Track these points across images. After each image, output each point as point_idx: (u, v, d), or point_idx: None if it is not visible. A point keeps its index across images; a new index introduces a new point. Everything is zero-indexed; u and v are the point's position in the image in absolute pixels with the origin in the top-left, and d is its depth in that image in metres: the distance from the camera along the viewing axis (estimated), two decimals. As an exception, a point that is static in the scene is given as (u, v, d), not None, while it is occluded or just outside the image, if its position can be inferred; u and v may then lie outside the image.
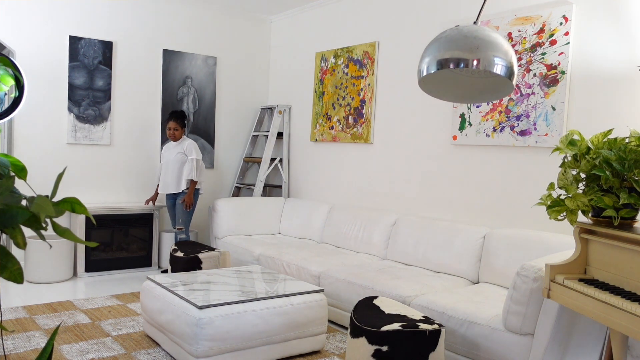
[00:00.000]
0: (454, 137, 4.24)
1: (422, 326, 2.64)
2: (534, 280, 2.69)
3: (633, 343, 2.63)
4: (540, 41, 3.67)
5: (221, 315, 2.94)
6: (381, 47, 4.95)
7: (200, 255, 4.22)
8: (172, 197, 5.30)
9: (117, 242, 5.39)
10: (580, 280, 2.22)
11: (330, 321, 4.02)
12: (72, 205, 1.31)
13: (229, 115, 6.26)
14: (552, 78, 3.60)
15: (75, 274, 5.17)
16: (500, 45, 2.36)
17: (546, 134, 3.62)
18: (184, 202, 5.16)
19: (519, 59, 3.80)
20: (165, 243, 5.63)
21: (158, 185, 5.33)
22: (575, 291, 2.17)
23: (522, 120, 3.77)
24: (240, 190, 6.35)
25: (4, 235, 4.36)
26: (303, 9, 5.93)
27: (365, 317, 2.77)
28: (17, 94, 4.36)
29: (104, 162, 5.45)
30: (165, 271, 5.13)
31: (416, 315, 2.84)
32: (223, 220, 5.40)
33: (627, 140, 2.22)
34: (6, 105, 4.33)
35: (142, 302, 3.46)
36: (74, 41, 5.18)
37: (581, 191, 2.27)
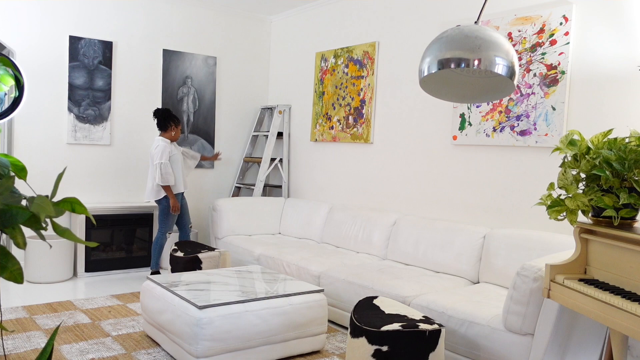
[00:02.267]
0: (454, 137, 4.24)
1: (422, 326, 2.64)
2: (534, 280, 2.69)
3: (633, 343, 2.63)
4: (540, 41, 3.67)
5: (221, 315, 2.94)
6: (381, 47, 4.95)
7: (200, 255, 4.22)
8: (181, 197, 5.08)
9: (117, 242, 5.39)
10: (580, 280, 2.22)
11: (330, 321, 4.02)
12: (72, 205, 1.31)
13: (229, 115, 6.26)
14: (552, 78, 3.60)
15: (75, 274, 5.17)
16: (501, 45, 2.36)
17: (546, 134, 3.62)
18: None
19: (519, 59, 3.80)
20: (166, 243, 5.62)
21: (171, 187, 4.91)
22: (575, 291, 2.17)
23: (522, 120, 3.77)
24: (240, 190, 6.35)
25: (4, 235, 4.36)
26: (303, 9, 5.93)
27: (365, 317, 2.77)
28: (17, 94, 4.36)
29: (104, 162, 5.45)
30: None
31: (416, 315, 2.84)
32: (223, 220, 5.40)
33: (627, 140, 2.22)
34: (6, 105, 4.33)
35: (142, 302, 3.46)
36: (74, 41, 5.18)
37: (581, 191, 2.27)
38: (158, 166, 4.80)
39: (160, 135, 4.98)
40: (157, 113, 4.98)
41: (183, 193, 5.08)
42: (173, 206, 4.87)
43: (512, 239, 3.59)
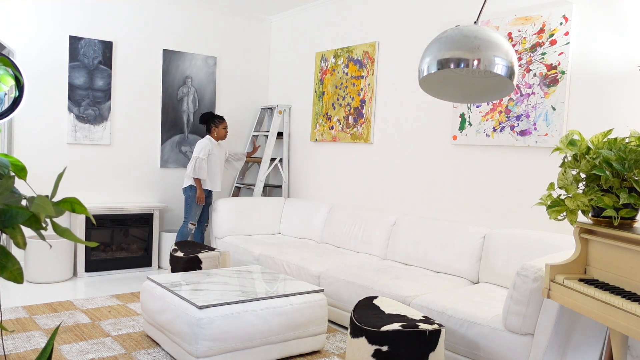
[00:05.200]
0: (454, 137, 4.24)
1: (422, 326, 2.64)
2: (534, 280, 2.69)
3: (633, 343, 2.63)
4: (540, 41, 3.67)
5: (221, 315, 2.94)
6: (381, 47, 4.95)
7: (200, 255, 4.22)
8: (206, 194, 5.43)
9: (117, 242, 5.39)
10: (580, 280, 2.22)
11: (330, 321, 4.02)
12: (72, 205, 1.31)
13: (229, 115, 6.26)
14: (552, 78, 3.60)
15: (75, 274, 5.17)
16: (500, 45, 2.36)
17: (546, 134, 3.62)
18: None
19: (519, 59, 3.80)
20: (165, 243, 5.63)
21: (201, 181, 5.27)
22: (575, 291, 2.17)
23: (522, 120, 3.77)
24: (240, 190, 6.35)
25: (4, 235, 4.36)
26: (303, 9, 5.93)
27: (365, 317, 2.77)
28: (17, 94, 4.36)
29: (104, 162, 5.45)
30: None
31: (416, 315, 2.84)
32: (223, 220, 5.40)
33: (627, 140, 2.22)
34: (6, 105, 4.33)
35: (142, 302, 3.46)
36: (74, 41, 5.18)
37: (581, 191, 2.27)
38: (194, 160, 5.22)
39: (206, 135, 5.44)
40: (201, 119, 5.45)
41: (211, 192, 5.48)
42: (199, 197, 5.25)
43: (512, 239, 3.59)
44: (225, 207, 5.44)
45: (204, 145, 5.27)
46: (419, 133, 4.59)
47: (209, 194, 5.44)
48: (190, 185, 5.26)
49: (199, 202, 5.25)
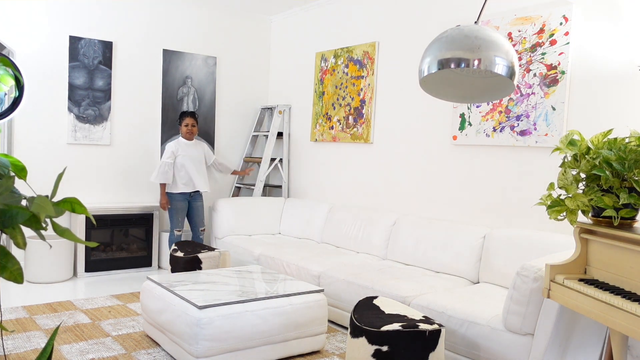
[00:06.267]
0: (454, 137, 4.24)
1: (422, 326, 2.64)
2: (534, 280, 2.69)
3: (633, 343, 2.63)
4: (540, 41, 3.67)
5: (221, 315, 2.94)
6: (381, 47, 4.95)
7: (200, 255, 4.22)
8: (188, 197, 5.22)
9: (117, 242, 5.39)
10: (580, 280, 2.22)
11: (330, 321, 4.02)
12: (72, 205, 1.31)
13: (229, 115, 6.27)
14: (552, 78, 3.60)
15: (75, 274, 5.17)
16: (501, 45, 2.36)
17: (546, 134, 3.62)
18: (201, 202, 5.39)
19: (519, 59, 3.80)
20: (165, 243, 5.63)
21: (165, 185, 5.10)
22: (575, 291, 2.17)
23: (522, 120, 3.77)
24: (240, 190, 6.35)
25: (4, 235, 4.36)
26: (303, 9, 5.93)
27: (365, 317, 2.77)
28: (17, 94, 4.36)
29: (104, 162, 5.45)
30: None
31: (416, 315, 2.85)
32: (223, 220, 5.40)
33: (627, 140, 2.22)
34: (6, 105, 4.33)
35: (142, 302, 3.46)
36: (74, 41, 5.18)
37: (581, 191, 2.27)
38: (159, 164, 5.07)
39: None
40: None
41: (199, 193, 5.30)
42: (160, 202, 5.12)
43: (512, 239, 3.59)
44: (226, 207, 5.44)
45: (168, 148, 5.11)
46: (419, 133, 4.59)
47: (189, 196, 5.21)
48: (167, 191, 5.12)
49: (162, 208, 5.10)
